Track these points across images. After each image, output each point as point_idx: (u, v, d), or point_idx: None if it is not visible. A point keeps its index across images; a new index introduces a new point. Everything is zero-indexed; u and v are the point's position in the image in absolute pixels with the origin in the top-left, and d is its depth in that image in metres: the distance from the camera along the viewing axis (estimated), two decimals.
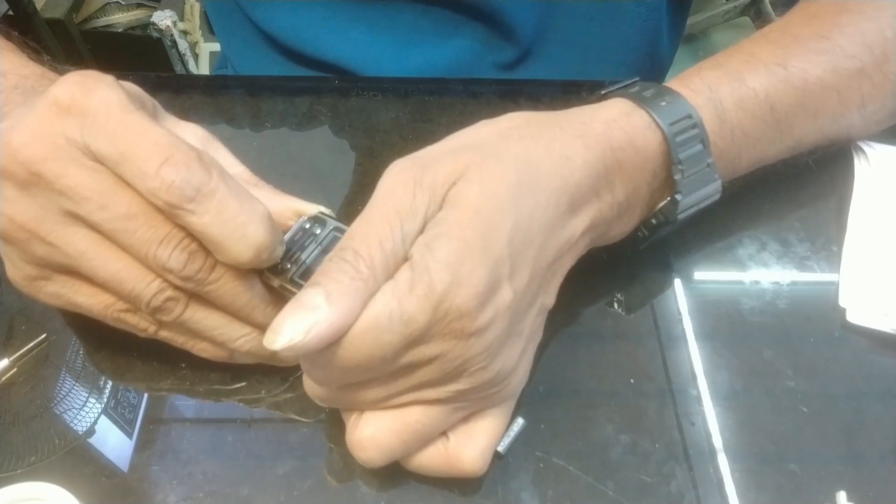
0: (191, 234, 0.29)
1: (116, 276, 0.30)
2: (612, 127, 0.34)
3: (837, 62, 0.40)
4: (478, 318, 0.27)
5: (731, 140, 0.37)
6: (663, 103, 0.35)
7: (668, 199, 0.35)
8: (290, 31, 0.57)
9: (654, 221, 0.36)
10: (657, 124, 0.34)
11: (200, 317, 0.31)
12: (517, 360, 0.30)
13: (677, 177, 0.34)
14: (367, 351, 0.27)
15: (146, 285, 0.30)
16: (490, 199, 0.28)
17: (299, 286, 0.30)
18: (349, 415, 0.31)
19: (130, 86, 0.32)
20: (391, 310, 0.26)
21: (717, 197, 0.36)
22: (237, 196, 0.28)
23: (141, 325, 0.32)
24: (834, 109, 0.40)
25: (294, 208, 0.33)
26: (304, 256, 0.31)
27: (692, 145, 0.35)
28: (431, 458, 0.31)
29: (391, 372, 0.28)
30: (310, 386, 0.30)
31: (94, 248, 0.30)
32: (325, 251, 0.32)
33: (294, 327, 0.26)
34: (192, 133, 0.35)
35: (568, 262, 0.33)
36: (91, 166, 0.29)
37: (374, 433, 0.30)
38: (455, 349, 0.27)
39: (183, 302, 0.31)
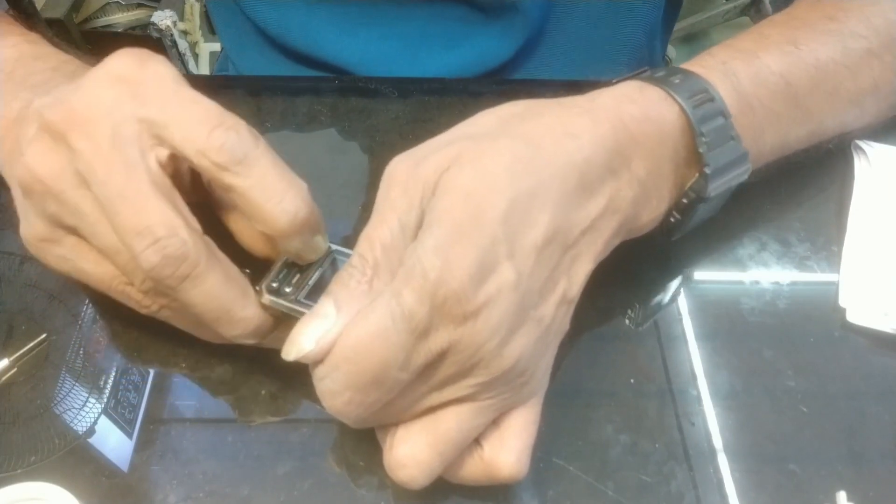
0: (170, 240, 0.28)
1: (115, 245, 0.29)
2: (621, 101, 0.33)
3: (846, 42, 0.40)
4: (474, 298, 0.26)
5: (753, 116, 0.36)
6: (676, 80, 0.34)
7: (697, 175, 0.34)
8: (297, 35, 0.57)
9: (685, 201, 0.34)
10: (672, 98, 0.33)
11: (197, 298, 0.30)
12: (536, 347, 0.29)
13: (702, 149, 0.33)
14: (379, 356, 0.26)
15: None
16: (481, 180, 0.28)
17: (306, 306, 0.30)
18: (384, 437, 0.30)
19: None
20: (391, 309, 0.26)
21: (745, 174, 0.35)
22: (280, 167, 0.29)
23: (144, 301, 0.31)
24: (849, 90, 0.40)
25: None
26: (305, 279, 0.31)
27: (712, 117, 0.33)
28: (471, 471, 0.30)
29: (410, 379, 0.27)
30: (335, 405, 0.29)
31: (97, 215, 0.29)
32: (326, 272, 0.32)
33: (305, 337, 0.27)
34: None
35: (592, 249, 0.31)
36: (120, 140, 0.29)
37: (410, 450, 0.29)
38: (463, 337, 0.26)
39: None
